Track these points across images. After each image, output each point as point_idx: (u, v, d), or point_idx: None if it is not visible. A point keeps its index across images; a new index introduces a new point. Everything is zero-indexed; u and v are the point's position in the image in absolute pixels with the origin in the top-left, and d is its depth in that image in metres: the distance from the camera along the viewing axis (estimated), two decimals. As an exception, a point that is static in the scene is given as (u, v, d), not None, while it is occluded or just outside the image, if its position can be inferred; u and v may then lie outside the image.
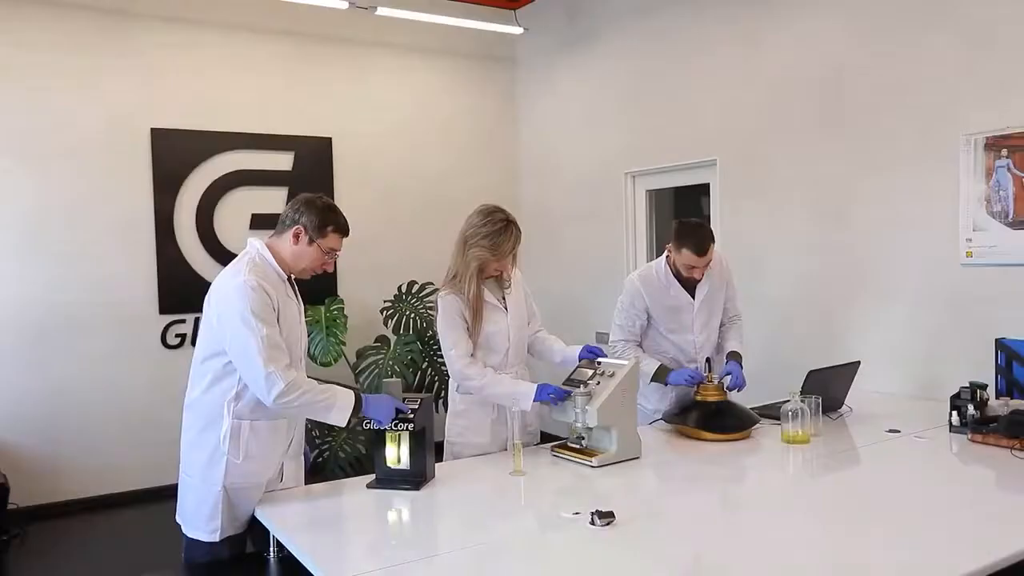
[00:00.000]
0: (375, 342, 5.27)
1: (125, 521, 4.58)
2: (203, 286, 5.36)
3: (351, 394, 2.29)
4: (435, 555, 1.91)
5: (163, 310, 4.98)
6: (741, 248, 4.49)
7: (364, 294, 5.60)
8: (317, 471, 4.59)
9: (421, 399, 2.44)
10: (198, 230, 5.10)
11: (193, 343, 5.05)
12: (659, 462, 2.68)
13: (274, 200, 5.36)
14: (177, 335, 5.04)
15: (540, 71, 6.12)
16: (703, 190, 4.89)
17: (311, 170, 5.48)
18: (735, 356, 3.32)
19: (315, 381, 2.26)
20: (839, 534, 1.97)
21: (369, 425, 2.39)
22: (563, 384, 2.78)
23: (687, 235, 3.13)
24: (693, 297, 3.30)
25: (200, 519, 2.26)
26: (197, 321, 5.08)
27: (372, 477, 2.46)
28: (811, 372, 3.09)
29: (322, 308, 5.29)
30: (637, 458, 2.66)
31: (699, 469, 2.65)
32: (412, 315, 5.28)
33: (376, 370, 5.00)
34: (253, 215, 5.27)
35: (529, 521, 2.18)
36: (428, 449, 2.46)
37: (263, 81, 5.33)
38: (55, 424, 4.69)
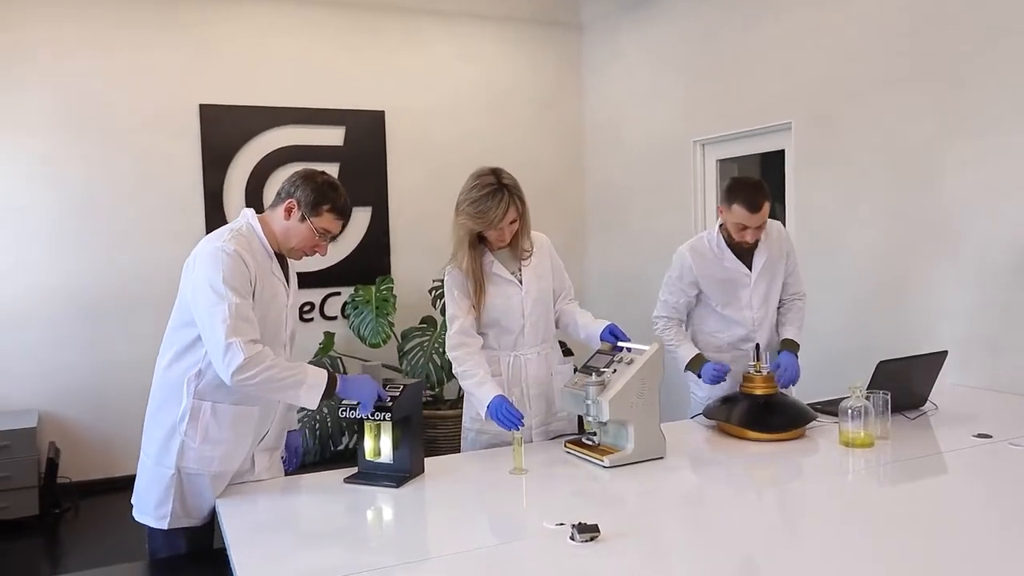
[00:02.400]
0: (421, 323, 5.06)
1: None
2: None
3: (323, 373, 2.05)
4: (369, 570, 1.63)
5: (213, 288, 4.93)
6: (815, 220, 4.00)
7: (416, 273, 5.40)
8: (348, 458, 4.42)
9: (404, 385, 2.18)
10: (248, 207, 5.01)
11: (244, 322, 5.05)
12: (687, 464, 2.31)
13: (325, 176, 5.22)
14: (227, 314, 4.99)
15: (605, 36, 5.71)
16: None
17: (363, 145, 5.31)
18: (790, 345, 2.93)
19: (281, 359, 2.03)
20: (895, 562, 1.57)
21: (348, 413, 2.15)
22: (579, 370, 2.46)
23: (739, 190, 2.78)
24: (750, 269, 2.94)
25: (149, 502, 2.08)
26: (247, 300, 5.03)
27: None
28: (881, 363, 2.62)
29: (372, 288, 5.13)
30: (661, 458, 2.31)
31: (733, 474, 2.26)
32: (463, 295, 5.02)
33: (420, 352, 4.79)
34: (303, 192, 5.15)
35: (504, 531, 1.87)
36: (414, 442, 2.20)
37: (313, 54, 5.19)
38: (108, 402, 4.73)
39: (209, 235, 2.15)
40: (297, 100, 5.13)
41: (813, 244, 3.94)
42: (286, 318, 2.19)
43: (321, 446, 4.67)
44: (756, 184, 2.81)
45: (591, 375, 2.31)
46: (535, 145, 5.86)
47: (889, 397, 2.44)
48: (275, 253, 2.16)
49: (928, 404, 2.84)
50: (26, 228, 4.59)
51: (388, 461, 2.19)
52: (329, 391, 2.04)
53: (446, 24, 5.57)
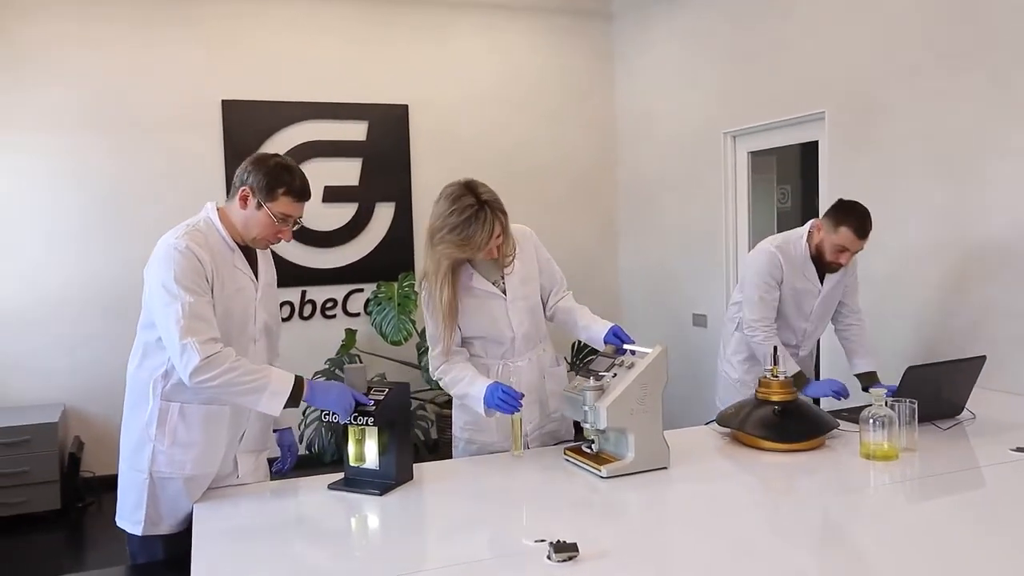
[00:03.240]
0: (441, 321, 4.98)
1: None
2: (275, 260, 5.28)
3: (289, 378, 1.96)
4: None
5: (235, 284, 4.91)
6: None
7: (439, 270, 5.31)
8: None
9: (389, 389, 2.08)
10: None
11: (266, 318, 5.02)
12: (693, 475, 2.16)
13: (348, 172, 5.18)
14: (249, 310, 4.98)
15: (636, 25, 5.54)
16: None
17: (386, 140, 5.24)
18: (876, 378, 2.97)
19: (247, 361, 1.95)
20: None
21: (331, 418, 2.06)
22: (579, 373, 2.32)
23: (851, 212, 2.88)
24: (822, 284, 3.03)
25: (126, 507, 2.03)
26: (269, 296, 5.00)
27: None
28: (910, 369, 2.44)
29: (395, 284, 5.06)
30: (665, 468, 2.17)
31: (740, 487, 2.12)
32: (485, 292, 4.92)
33: (440, 350, 4.70)
34: (326, 187, 5.10)
35: (481, 547, 1.74)
36: (401, 448, 2.09)
37: (335, 47, 5.13)
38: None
39: (167, 233, 2.06)
40: (319, 95, 5.09)
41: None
42: (255, 312, 2.11)
43: (338, 445, 4.62)
44: (866, 212, 2.87)
45: (589, 379, 2.18)
46: (565, 139, 5.73)
47: (916, 406, 2.25)
48: (240, 245, 2.09)
49: (965, 413, 2.64)
50: (54, 226, 4.63)
51: (374, 467, 2.09)
52: (296, 398, 1.95)
53: (471, 15, 5.46)
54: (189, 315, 1.88)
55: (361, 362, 4.89)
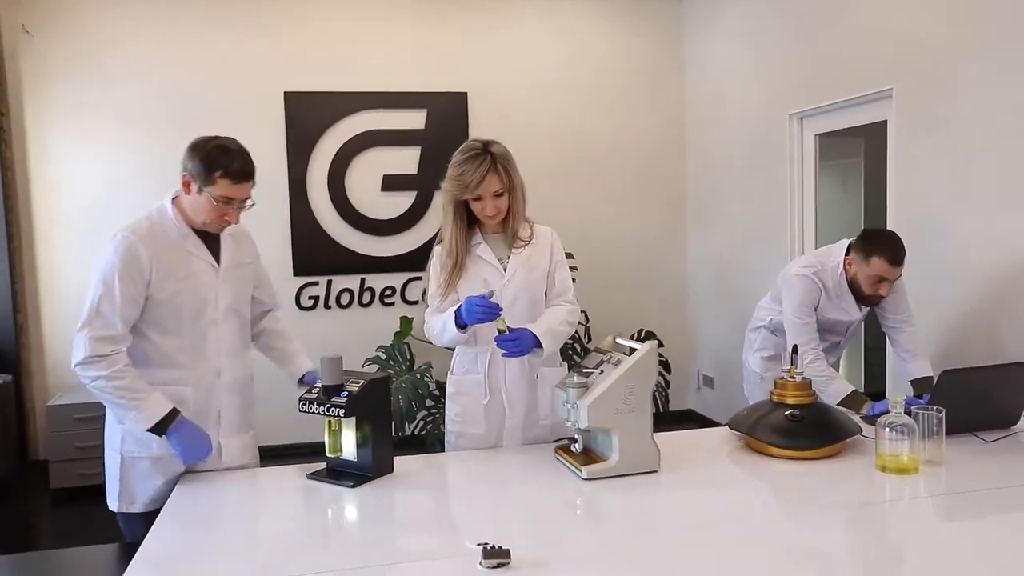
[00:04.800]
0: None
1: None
2: (335, 249, 5.37)
3: (164, 409, 1.99)
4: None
5: (297, 272, 5.05)
6: (919, 201, 3.46)
7: (496, 259, 5.27)
8: (418, 444, 4.39)
9: (364, 380, 2.05)
10: (330, 192, 5.10)
11: (327, 305, 5.13)
12: (685, 481, 2.01)
13: (406, 160, 5.21)
14: (310, 297, 5.10)
15: (708, 5, 5.27)
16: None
17: (445, 128, 5.22)
18: (931, 384, 2.71)
19: (135, 377, 1.98)
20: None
21: (305, 408, 2.06)
22: (572, 368, 2.21)
23: (879, 241, 2.75)
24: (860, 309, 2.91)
25: (110, 484, 2.13)
26: (329, 283, 5.12)
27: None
28: (945, 373, 2.19)
29: (451, 273, 5.05)
30: (655, 472, 2.04)
31: (733, 496, 1.96)
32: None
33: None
34: (384, 176, 5.17)
35: (423, 548, 1.68)
36: (379, 441, 2.07)
37: (394, 35, 5.16)
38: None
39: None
40: (378, 84, 5.13)
41: (916, 230, 3.40)
42: (216, 296, 2.13)
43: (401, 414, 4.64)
44: (896, 238, 2.76)
45: (575, 376, 2.08)
46: (631, 126, 5.55)
47: (943, 414, 2.02)
48: (197, 230, 2.11)
49: (1022, 424, 2.35)
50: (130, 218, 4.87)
51: (352, 459, 2.08)
52: (162, 428, 1.99)
53: (533, -1, 5.36)
54: (95, 310, 1.96)
55: (411, 351, 4.92)
